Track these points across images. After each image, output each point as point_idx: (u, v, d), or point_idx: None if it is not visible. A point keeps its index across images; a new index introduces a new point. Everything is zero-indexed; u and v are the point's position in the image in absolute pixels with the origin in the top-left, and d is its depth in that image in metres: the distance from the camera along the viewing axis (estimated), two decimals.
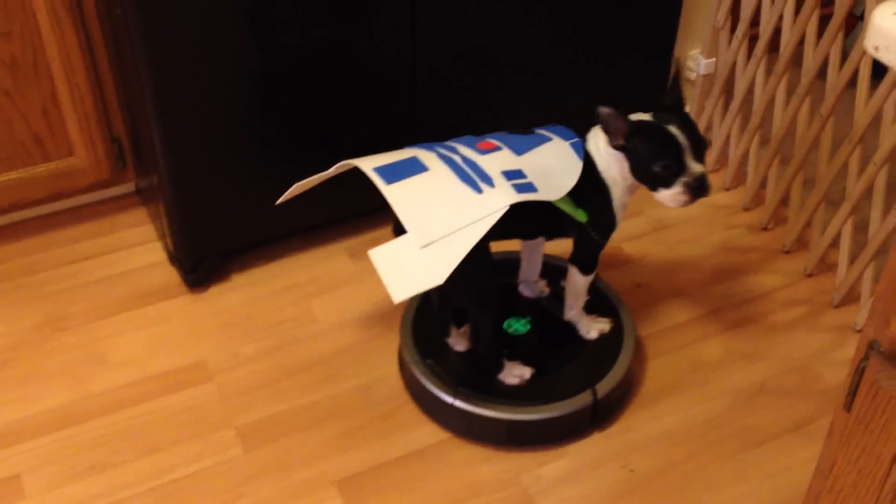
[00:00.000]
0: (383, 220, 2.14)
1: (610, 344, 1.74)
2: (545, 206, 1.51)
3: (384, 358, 1.85)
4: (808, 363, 1.83)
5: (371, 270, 2.01)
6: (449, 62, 1.96)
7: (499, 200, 1.41)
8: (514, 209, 1.41)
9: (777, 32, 1.99)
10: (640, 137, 1.50)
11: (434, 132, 2.02)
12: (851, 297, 1.92)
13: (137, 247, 2.11)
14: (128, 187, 2.21)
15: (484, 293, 1.61)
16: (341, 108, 1.90)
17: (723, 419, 1.73)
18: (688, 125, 1.51)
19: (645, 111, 1.57)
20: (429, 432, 1.71)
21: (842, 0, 1.80)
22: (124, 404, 1.76)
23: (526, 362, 1.69)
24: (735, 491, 1.61)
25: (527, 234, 1.71)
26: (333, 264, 2.06)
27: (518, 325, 1.78)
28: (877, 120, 1.76)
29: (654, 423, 1.72)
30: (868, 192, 1.82)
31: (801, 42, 1.93)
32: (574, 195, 1.53)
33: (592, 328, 1.76)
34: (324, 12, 1.76)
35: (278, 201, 1.68)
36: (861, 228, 1.91)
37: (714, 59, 2.22)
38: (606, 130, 1.51)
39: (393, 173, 1.46)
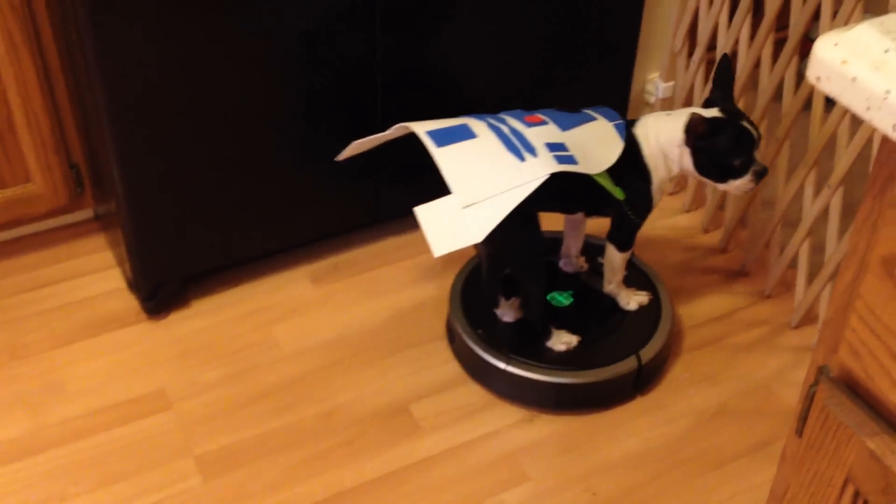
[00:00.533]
0: (345, 244, 2.14)
1: (649, 315, 1.85)
2: (586, 182, 1.61)
3: (346, 384, 1.84)
4: (767, 384, 1.84)
5: (334, 295, 2.03)
6: (409, 91, 1.96)
7: (540, 169, 1.50)
8: (557, 181, 1.51)
9: (734, 56, 2.01)
10: (720, 136, 1.61)
11: (397, 166, 2.03)
12: (810, 318, 1.94)
13: (96, 273, 2.08)
14: (86, 213, 2.18)
15: (535, 261, 1.71)
16: (299, 133, 1.90)
17: (684, 441, 1.73)
18: (748, 117, 1.65)
19: None
20: (391, 458, 1.70)
21: (796, 24, 1.83)
22: (81, 434, 1.74)
23: (571, 332, 1.80)
24: None
25: (569, 208, 1.79)
26: (295, 289, 2.05)
27: (561, 298, 1.87)
28: (831, 143, 1.78)
29: (616, 445, 1.72)
30: (824, 214, 1.84)
31: (757, 66, 1.95)
32: (614, 174, 1.63)
33: (632, 300, 1.86)
34: (284, 42, 1.76)
35: (338, 157, 1.75)
36: (818, 250, 1.93)
37: (672, 83, 2.24)
38: (689, 131, 1.61)
39: (444, 137, 1.56)
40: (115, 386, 1.83)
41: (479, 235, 1.44)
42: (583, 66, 2.13)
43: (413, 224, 2.22)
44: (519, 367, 1.75)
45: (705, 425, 1.76)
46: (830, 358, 0.84)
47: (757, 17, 1.97)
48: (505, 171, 1.50)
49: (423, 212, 1.47)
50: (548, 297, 1.85)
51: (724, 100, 1.67)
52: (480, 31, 1.96)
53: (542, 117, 1.63)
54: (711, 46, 2.07)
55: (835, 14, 1.75)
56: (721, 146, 1.62)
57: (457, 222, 1.45)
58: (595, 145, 1.61)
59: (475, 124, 1.59)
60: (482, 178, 1.49)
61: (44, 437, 1.73)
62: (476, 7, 1.91)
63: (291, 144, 1.90)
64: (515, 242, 1.64)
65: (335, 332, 1.95)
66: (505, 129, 1.58)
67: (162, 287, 1.96)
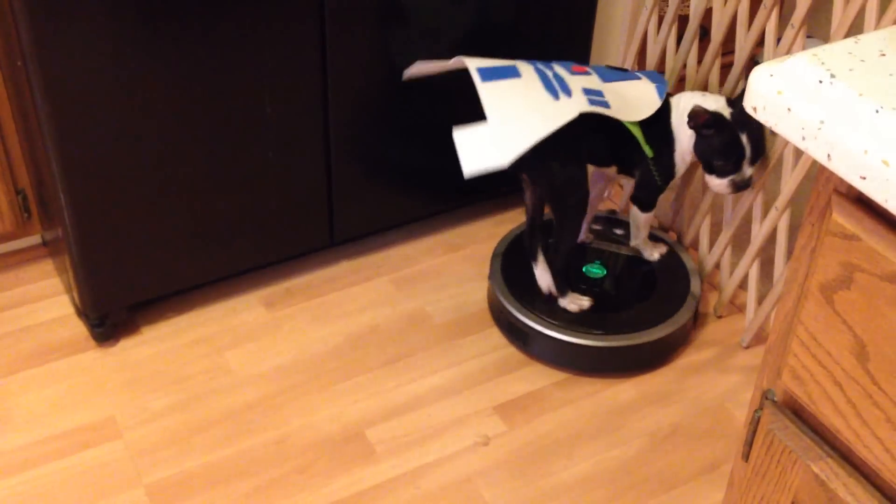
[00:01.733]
0: (299, 268, 2.13)
1: (674, 269, 2.02)
2: (620, 133, 1.77)
3: (300, 409, 1.82)
4: (719, 404, 1.85)
5: (287, 320, 2.02)
6: (359, 128, 1.96)
7: (572, 107, 1.64)
8: (592, 127, 1.72)
9: (682, 80, 2.04)
10: (713, 131, 1.74)
11: (350, 190, 2.03)
12: (760, 339, 1.96)
13: (44, 300, 2.05)
14: (33, 239, 2.15)
15: (577, 207, 1.83)
16: (249, 157, 1.88)
17: (637, 462, 1.74)
18: (756, 132, 1.74)
19: None
20: (345, 484, 1.69)
21: (741, 49, 1.85)
22: (28, 465, 1.70)
23: (617, 298, 1.96)
24: None
25: (602, 160, 1.88)
26: (248, 315, 2.04)
27: (595, 269, 2.00)
28: (778, 166, 1.81)
29: (571, 468, 1.72)
30: (772, 236, 1.86)
31: (705, 89, 1.98)
32: (646, 132, 1.78)
33: (654, 252, 2.02)
34: (231, 66, 1.75)
35: (404, 76, 1.85)
36: (766, 272, 1.96)
37: None
38: (691, 116, 1.73)
39: (490, 74, 1.65)
40: (64, 414, 1.80)
41: (504, 159, 1.56)
42: None
43: (367, 248, 2.24)
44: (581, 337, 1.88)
45: (658, 446, 1.77)
46: (774, 382, 0.85)
47: (704, 41, 2.00)
48: (538, 105, 1.64)
49: (459, 134, 1.59)
50: (583, 270, 1.99)
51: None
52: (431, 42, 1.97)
53: (588, 68, 1.78)
54: (659, 70, 2.10)
55: (778, 40, 1.78)
56: (710, 141, 1.75)
57: (487, 146, 1.58)
58: (632, 99, 1.76)
59: (523, 66, 1.70)
60: (516, 109, 1.62)
61: None
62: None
63: (241, 168, 1.89)
64: (562, 182, 1.79)
65: (288, 357, 1.94)
66: (549, 74, 1.70)
67: (111, 314, 1.93)
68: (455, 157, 2.15)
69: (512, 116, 1.61)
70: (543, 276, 1.92)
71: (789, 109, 0.73)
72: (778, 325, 0.84)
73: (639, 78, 1.82)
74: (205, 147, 1.82)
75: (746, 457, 0.88)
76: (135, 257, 1.87)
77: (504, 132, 1.59)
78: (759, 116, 0.76)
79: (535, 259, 1.92)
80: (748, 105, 0.76)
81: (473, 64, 1.67)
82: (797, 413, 0.84)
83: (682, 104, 1.80)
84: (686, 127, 1.77)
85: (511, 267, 2.01)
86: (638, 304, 1.94)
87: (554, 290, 1.90)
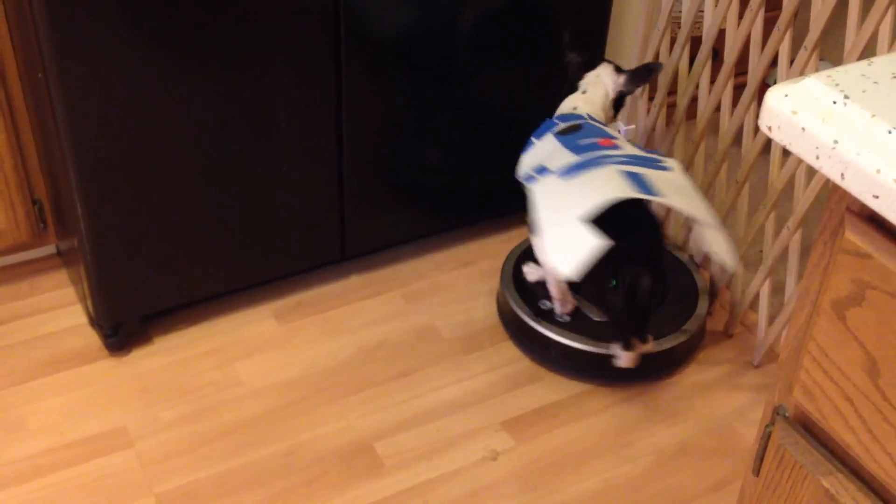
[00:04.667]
0: (310, 282, 2.14)
1: (685, 287, 2.04)
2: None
3: (309, 422, 1.83)
4: (728, 423, 1.86)
5: (297, 333, 2.03)
6: (372, 143, 1.98)
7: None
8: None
9: (694, 100, 2.05)
10: None
11: (362, 205, 2.04)
12: (771, 358, 1.96)
13: (58, 310, 2.07)
14: (48, 249, 2.17)
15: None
16: (262, 171, 1.90)
17: (645, 480, 1.74)
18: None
19: None
20: (352, 498, 1.69)
21: (754, 70, 1.87)
22: (40, 473, 1.71)
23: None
24: None
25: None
26: (259, 327, 2.05)
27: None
28: (790, 186, 1.82)
29: (578, 484, 1.73)
30: (784, 256, 1.87)
31: (718, 110, 2.00)
32: None
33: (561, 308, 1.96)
34: (244, 84, 1.77)
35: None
36: (778, 290, 1.96)
37: (633, 126, 2.28)
38: None
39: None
40: (76, 423, 1.81)
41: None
42: (544, 108, 2.16)
43: (377, 262, 2.25)
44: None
45: (666, 464, 1.77)
46: (786, 398, 0.86)
47: (716, 62, 2.01)
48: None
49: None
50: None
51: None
52: (437, 73, 1.99)
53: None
54: (672, 91, 2.11)
55: (791, 61, 1.80)
56: None
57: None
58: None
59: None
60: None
61: (1, 475, 1.70)
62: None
63: (255, 182, 1.91)
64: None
65: (298, 370, 1.95)
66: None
67: (124, 324, 1.95)
68: (465, 174, 2.17)
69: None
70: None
71: (804, 129, 0.74)
72: (790, 342, 0.85)
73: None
74: (220, 160, 1.84)
75: (757, 472, 0.88)
76: (148, 268, 1.89)
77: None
78: (774, 136, 0.77)
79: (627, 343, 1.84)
80: (763, 125, 0.77)
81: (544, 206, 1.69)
82: (808, 428, 0.84)
83: None
84: None
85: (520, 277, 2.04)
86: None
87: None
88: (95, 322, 1.97)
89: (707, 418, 1.87)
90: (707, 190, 2.05)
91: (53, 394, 1.87)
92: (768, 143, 1.88)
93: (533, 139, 1.85)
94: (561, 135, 1.79)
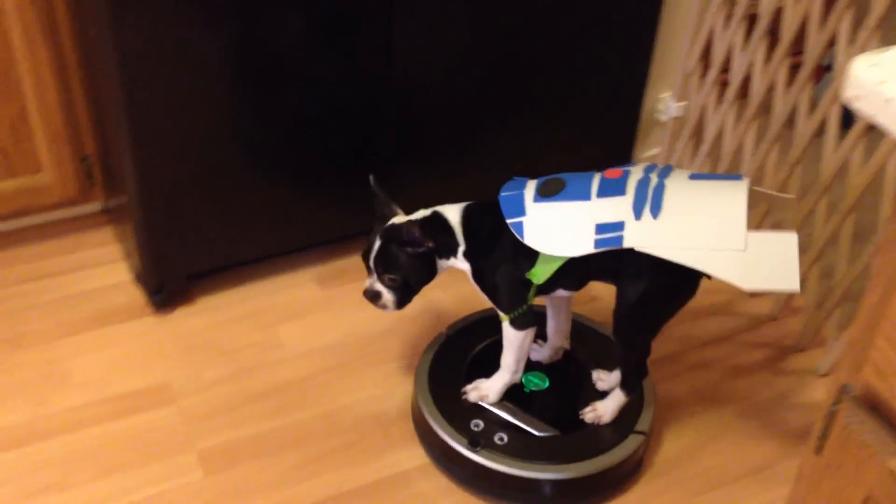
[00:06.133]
0: (352, 249, 2.14)
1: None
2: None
3: (348, 387, 1.84)
4: (770, 406, 1.84)
5: (338, 299, 2.03)
6: (418, 101, 1.97)
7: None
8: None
9: (747, 79, 2.02)
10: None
11: (411, 165, 2.04)
12: (815, 342, 1.94)
13: (103, 266, 2.08)
14: (95, 206, 2.19)
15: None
16: (311, 137, 1.90)
17: (684, 458, 1.73)
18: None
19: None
20: (391, 463, 1.70)
21: (812, 49, 1.84)
22: (84, 424, 1.73)
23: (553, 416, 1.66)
24: None
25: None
26: (301, 291, 2.05)
27: (536, 380, 1.73)
28: (844, 169, 1.79)
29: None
30: (834, 239, 1.85)
31: (771, 89, 1.97)
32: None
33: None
34: (301, 38, 1.76)
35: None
36: (826, 274, 1.94)
37: (685, 103, 2.25)
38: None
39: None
40: (120, 377, 1.82)
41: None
42: (595, 81, 2.14)
43: None
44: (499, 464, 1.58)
45: (706, 445, 1.76)
46: (853, 377, 0.85)
47: (772, 40, 1.98)
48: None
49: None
50: (522, 380, 1.71)
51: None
52: (494, 35, 1.97)
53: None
54: (725, 68, 2.09)
55: (851, 42, 1.76)
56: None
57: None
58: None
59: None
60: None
61: (45, 425, 1.72)
62: (485, 11, 1.93)
63: (303, 148, 1.91)
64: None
65: (339, 335, 1.95)
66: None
67: (169, 282, 1.96)
68: (511, 139, 2.16)
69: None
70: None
71: (889, 100, 0.73)
72: (861, 320, 0.84)
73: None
74: (270, 125, 1.84)
75: (819, 450, 0.87)
76: (195, 229, 1.90)
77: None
78: (857, 106, 0.75)
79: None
80: (847, 95, 0.76)
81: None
82: (875, 408, 0.83)
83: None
84: None
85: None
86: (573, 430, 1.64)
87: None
88: (141, 280, 1.98)
89: (748, 401, 1.85)
90: (757, 172, 2.03)
91: (98, 348, 1.89)
92: (822, 125, 1.85)
93: (521, 219, 1.49)
94: (558, 195, 1.47)
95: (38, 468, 1.65)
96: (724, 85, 2.11)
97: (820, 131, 1.86)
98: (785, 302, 2.01)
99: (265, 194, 1.93)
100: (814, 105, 1.88)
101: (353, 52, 1.82)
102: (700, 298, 2.07)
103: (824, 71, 2.42)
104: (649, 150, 2.39)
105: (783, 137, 1.98)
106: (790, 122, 1.94)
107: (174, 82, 1.70)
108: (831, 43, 1.83)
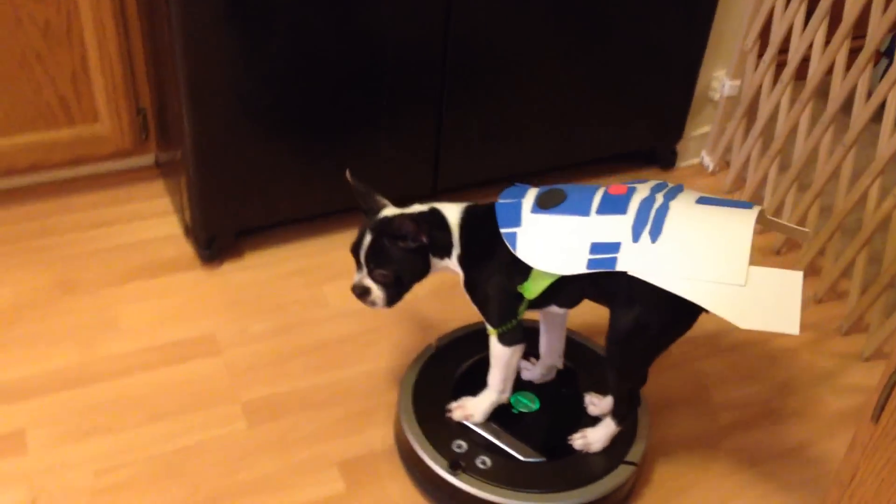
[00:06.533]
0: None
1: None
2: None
3: (391, 348, 1.86)
4: (812, 388, 1.84)
5: None
6: (476, 56, 1.97)
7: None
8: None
9: (805, 60, 2.01)
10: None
11: (460, 122, 2.05)
12: (860, 327, 1.94)
13: (153, 219, 2.11)
14: (147, 159, 2.22)
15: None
16: (364, 98, 1.91)
17: (724, 435, 1.74)
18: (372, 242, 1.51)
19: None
20: None
21: (874, 32, 1.82)
22: (131, 371, 1.77)
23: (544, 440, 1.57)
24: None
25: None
26: (345, 252, 2.06)
27: (526, 401, 1.64)
28: None
29: (663, 430, 1.73)
30: (884, 225, 1.84)
31: (829, 71, 1.95)
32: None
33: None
34: (353, 13, 1.77)
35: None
36: (873, 260, 1.93)
37: (739, 82, 2.24)
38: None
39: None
40: (167, 327, 1.86)
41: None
42: (651, 53, 2.14)
43: (469, 198, 2.25)
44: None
45: (747, 423, 1.77)
46: None
47: (833, 22, 1.96)
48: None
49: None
50: (511, 400, 1.62)
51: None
52: (551, 13, 1.97)
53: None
54: (783, 49, 2.07)
55: None
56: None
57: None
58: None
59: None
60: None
61: (93, 369, 1.76)
62: None
63: (356, 110, 1.92)
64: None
65: None
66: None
67: (219, 237, 1.98)
68: (559, 119, 2.16)
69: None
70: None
71: None
72: None
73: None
74: (324, 85, 1.85)
75: (876, 419, 0.88)
76: (246, 185, 1.92)
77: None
78: None
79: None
80: None
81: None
82: None
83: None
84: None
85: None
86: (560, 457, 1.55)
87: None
88: (191, 233, 2.01)
89: (791, 381, 1.85)
90: (809, 155, 2.02)
91: (146, 297, 1.92)
92: (880, 110, 1.84)
93: (515, 230, 1.41)
94: (556, 207, 1.40)
95: (87, 410, 1.68)
96: (780, 65, 2.09)
97: (876, 116, 1.85)
98: (830, 286, 2.00)
99: (317, 154, 1.95)
100: (872, 89, 1.86)
101: (411, 4, 1.83)
102: None
103: (880, 55, 2.40)
104: (700, 128, 2.38)
105: (837, 121, 1.97)
106: (846, 105, 1.92)
107: (236, 39, 1.72)
108: (892, 28, 1.82)
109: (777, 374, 1.87)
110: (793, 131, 2.06)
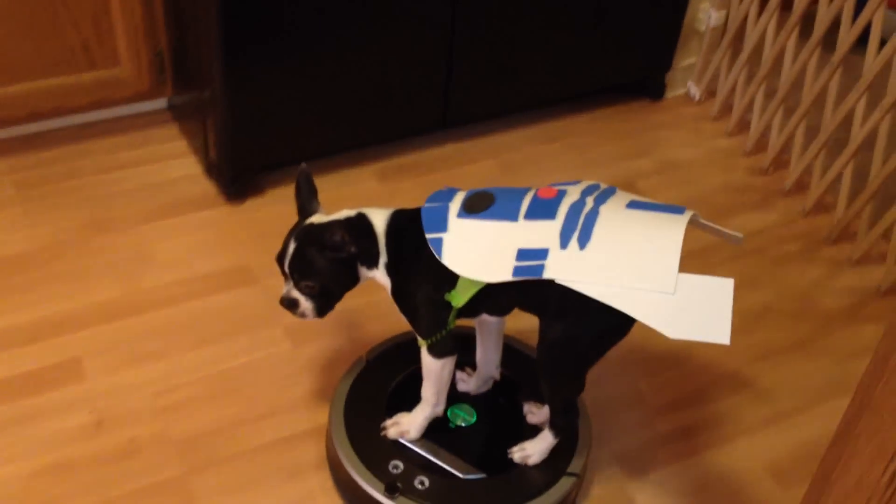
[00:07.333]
0: (411, 147, 2.25)
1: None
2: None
3: None
4: (807, 291, 2.00)
5: (398, 192, 2.14)
6: (485, 19, 2.07)
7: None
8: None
9: None
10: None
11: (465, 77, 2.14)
12: (847, 234, 2.10)
13: (171, 160, 2.18)
14: (160, 103, 2.27)
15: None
16: (376, 35, 2.00)
17: (732, 334, 1.87)
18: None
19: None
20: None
21: None
22: (174, 300, 1.85)
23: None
24: (746, 393, 1.78)
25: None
26: (362, 185, 2.16)
27: (463, 414, 1.57)
28: (886, 70, 1.92)
29: (599, 441, 1.68)
30: (870, 139, 1.98)
31: (815, 1, 2.08)
32: None
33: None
34: None
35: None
36: (857, 175, 2.08)
37: (725, 12, 2.36)
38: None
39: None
40: (202, 260, 1.94)
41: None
42: None
43: (473, 133, 2.35)
44: None
45: (752, 323, 1.91)
46: None
47: None
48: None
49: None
50: (447, 413, 1.55)
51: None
52: None
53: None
54: None
55: None
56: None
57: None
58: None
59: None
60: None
61: (138, 300, 1.84)
62: None
63: (371, 47, 2.00)
64: None
65: None
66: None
67: (242, 174, 2.06)
68: (556, 53, 2.26)
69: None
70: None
71: None
72: None
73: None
74: (343, 20, 1.93)
75: None
76: (271, 123, 2.00)
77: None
78: None
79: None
80: None
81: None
82: None
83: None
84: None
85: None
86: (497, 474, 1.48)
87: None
88: (215, 170, 2.08)
89: (787, 286, 2.00)
90: (798, 76, 2.15)
91: (177, 233, 1.99)
92: (864, 34, 1.97)
93: (441, 235, 1.34)
94: (483, 212, 1.33)
95: (137, 338, 1.77)
96: None
97: (862, 39, 1.99)
98: (817, 200, 2.15)
99: (335, 91, 2.03)
100: (856, 12, 2.00)
101: None
102: (736, 196, 2.22)
103: None
104: (687, 59, 2.49)
105: (824, 44, 2.10)
106: (832, 30, 2.05)
107: None
108: None
109: (773, 280, 2.01)
110: (779, 57, 2.20)
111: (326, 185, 2.14)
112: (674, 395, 1.77)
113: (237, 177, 2.05)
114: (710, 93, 2.50)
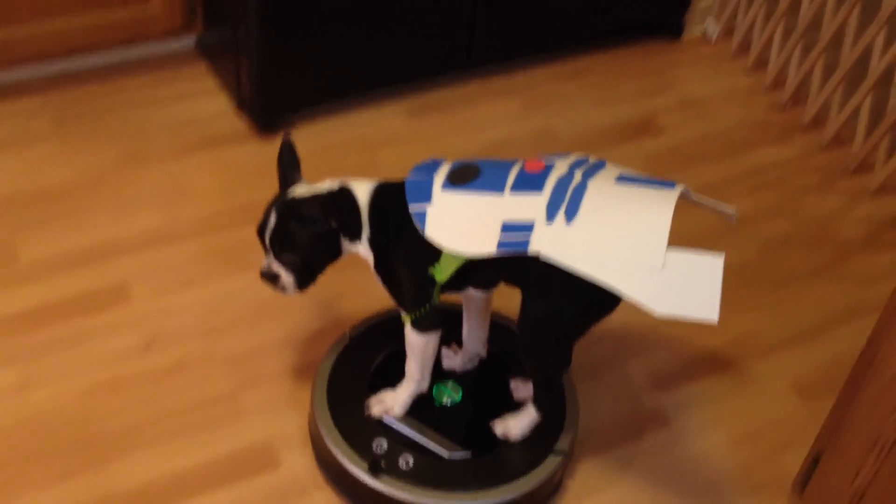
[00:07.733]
0: (438, 85, 2.30)
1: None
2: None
3: None
4: (827, 219, 2.06)
5: (426, 130, 2.19)
6: None
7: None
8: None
9: None
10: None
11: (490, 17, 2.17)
12: (865, 166, 2.15)
13: (201, 97, 2.22)
14: (188, 41, 2.31)
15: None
16: None
17: (755, 263, 1.94)
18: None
19: None
20: None
21: None
22: (213, 230, 1.90)
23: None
24: (771, 314, 1.84)
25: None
26: (392, 122, 2.21)
27: (448, 391, 1.53)
28: None
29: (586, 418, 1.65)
30: (888, 72, 2.03)
31: None
32: None
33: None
34: None
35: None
36: (875, 110, 2.13)
37: None
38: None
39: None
40: (237, 192, 1.98)
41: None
42: None
43: (498, 70, 2.40)
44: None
45: (774, 249, 1.98)
46: None
47: None
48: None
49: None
50: (433, 391, 1.53)
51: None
52: None
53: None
54: None
55: None
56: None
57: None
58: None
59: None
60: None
61: (177, 230, 1.89)
62: None
63: None
64: None
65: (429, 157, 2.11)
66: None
67: (276, 109, 2.10)
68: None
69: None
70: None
71: None
72: None
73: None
74: None
75: None
76: (303, 60, 2.04)
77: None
78: None
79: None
80: None
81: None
82: None
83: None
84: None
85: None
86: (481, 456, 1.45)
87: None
88: (247, 107, 2.12)
89: (808, 215, 2.06)
90: (817, 12, 2.19)
91: (212, 167, 2.04)
92: None
93: (425, 208, 1.31)
94: (468, 184, 1.30)
95: (181, 264, 1.82)
96: None
97: None
98: (835, 134, 2.21)
99: (365, 30, 2.07)
100: None
101: None
102: (756, 132, 2.27)
103: None
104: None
105: None
106: None
107: None
108: None
109: (794, 209, 2.07)
110: None
111: (356, 122, 2.20)
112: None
113: (269, 113, 2.09)
114: (728, 31, 2.54)
